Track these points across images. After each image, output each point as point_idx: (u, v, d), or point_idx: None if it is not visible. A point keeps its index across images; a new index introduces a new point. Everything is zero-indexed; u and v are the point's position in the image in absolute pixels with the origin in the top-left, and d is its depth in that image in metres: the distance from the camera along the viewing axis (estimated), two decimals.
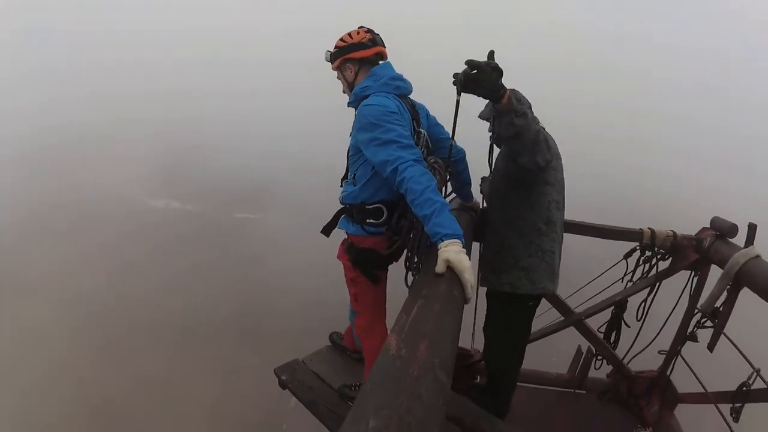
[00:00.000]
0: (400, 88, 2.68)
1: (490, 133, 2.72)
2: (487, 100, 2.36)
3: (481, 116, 2.75)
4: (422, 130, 2.76)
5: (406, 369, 1.16)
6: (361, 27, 2.76)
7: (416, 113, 2.76)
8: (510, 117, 2.24)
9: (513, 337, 3.13)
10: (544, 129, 2.61)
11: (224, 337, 7.10)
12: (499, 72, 2.10)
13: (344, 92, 2.87)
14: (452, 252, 1.94)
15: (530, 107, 2.50)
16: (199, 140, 15.57)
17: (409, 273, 2.63)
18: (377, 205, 2.68)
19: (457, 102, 2.15)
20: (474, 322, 3.58)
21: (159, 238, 9.85)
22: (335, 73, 2.85)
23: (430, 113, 2.97)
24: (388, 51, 2.78)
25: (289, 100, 19.74)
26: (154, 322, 7.22)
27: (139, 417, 5.73)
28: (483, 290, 3.19)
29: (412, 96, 2.83)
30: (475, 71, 2.04)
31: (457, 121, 2.26)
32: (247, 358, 6.46)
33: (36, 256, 8.76)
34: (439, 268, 1.90)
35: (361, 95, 2.62)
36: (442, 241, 2.01)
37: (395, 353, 1.23)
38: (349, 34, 2.72)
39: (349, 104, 2.78)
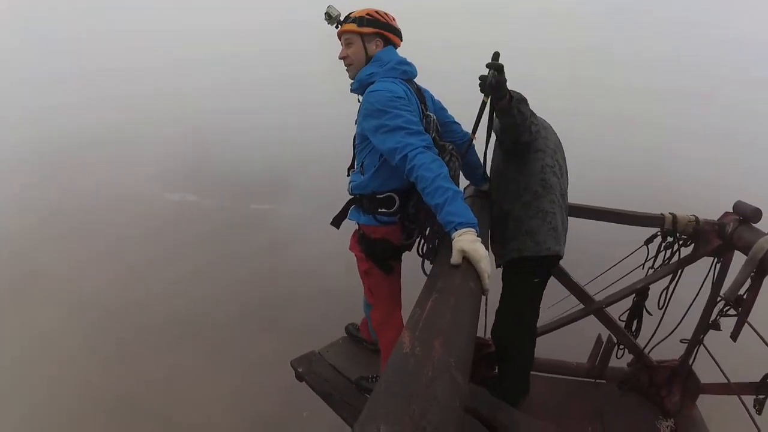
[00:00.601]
0: (407, 73, 2.58)
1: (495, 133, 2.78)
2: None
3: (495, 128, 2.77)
4: (431, 114, 2.64)
5: (420, 369, 1.11)
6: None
7: (423, 97, 2.65)
8: (516, 107, 2.27)
9: (520, 309, 3.07)
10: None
11: (244, 328, 7.11)
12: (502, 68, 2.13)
13: (341, 58, 2.67)
14: (467, 241, 1.86)
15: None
16: (210, 135, 15.61)
17: (426, 260, 2.59)
18: (389, 193, 2.58)
19: (484, 103, 2.17)
20: (486, 311, 3.53)
21: (177, 234, 9.88)
22: (340, 39, 2.66)
23: (434, 97, 2.89)
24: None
25: (294, 89, 19.71)
26: (173, 316, 7.24)
27: (158, 410, 5.75)
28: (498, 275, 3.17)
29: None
30: (500, 74, 2.10)
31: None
32: (267, 349, 6.43)
33: (56, 255, 8.85)
34: (454, 258, 1.83)
35: (367, 82, 2.51)
36: (456, 230, 1.93)
37: (409, 351, 1.18)
38: (386, 14, 2.60)
39: (353, 90, 2.65)
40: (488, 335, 3.92)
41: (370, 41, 2.58)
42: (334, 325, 4.26)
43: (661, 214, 3.45)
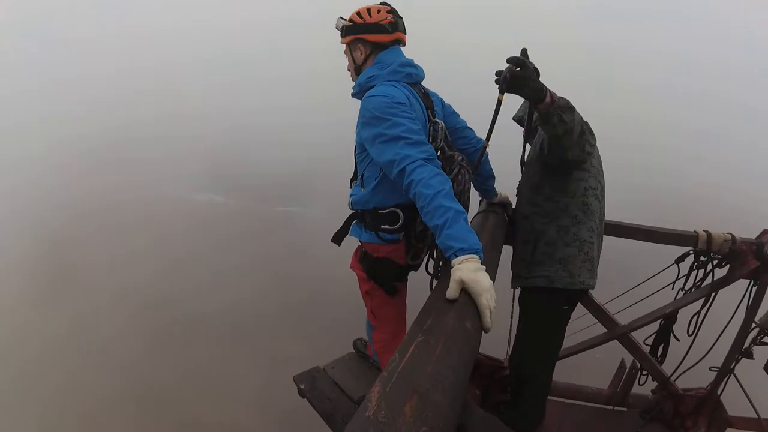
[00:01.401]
0: (411, 76, 2.38)
1: (524, 131, 2.62)
2: (526, 101, 2.22)
3: (516, 118, 2.69)
4: (438, 120, 2.42)
5: None
6: (384, 4, 2.42)
7: (430, 102, 2.45)
8: (558, 115, 2.03)
9: (545, 341, 2.85)
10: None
11: (272, 327, 7.30)
12: (537, 71, 1.96)
13: (349, 70, 2.55)
14: (466, 270, 1.62)
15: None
16: (235, 135, 15.87)
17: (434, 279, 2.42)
18: (392, 209, 2.38)
19: (499, 102, 1.98)
20: (510, 331, 3.34)
21: (205, 234, 10.19)
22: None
23: (445, 101, 2.68)
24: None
25: (316, 89, 19.80)
26: (202, 314, 7.58)
27: (187, 403, 5.99)
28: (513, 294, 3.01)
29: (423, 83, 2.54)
30: (519, 68, 1.91)
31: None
32: (294, 348, 6.55)
33: (90, 251, 9.15)
34: (450, 291, 1.60)
35: (367, 86, 2.32)
36: (456, 257, 1.71)
37: (372, 416, 0.97)
38: (368, 11, 2.38)
39: (354, 95, 2.46)
40: (501, 356, 3.74)
41: (354, 49, 2.45)
42: (360, 326, 4.19)
43: (695, 231, 3.19)
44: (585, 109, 2.19)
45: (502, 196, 3.11)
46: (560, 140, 2.15)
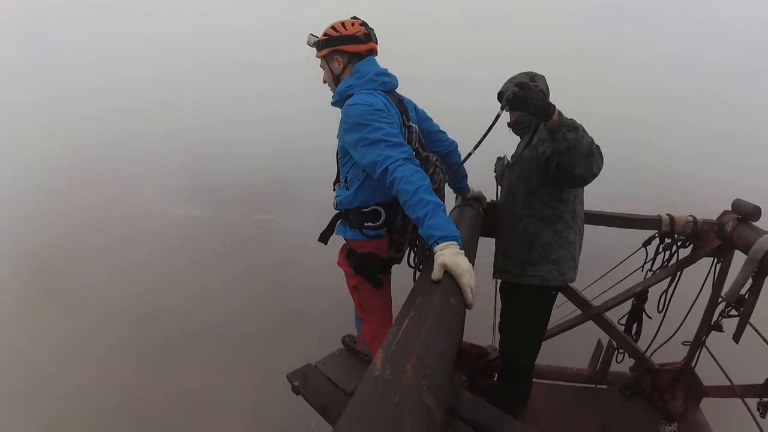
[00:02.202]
0: (386, 84, 2.53)
1: (509, 128, 2.94)
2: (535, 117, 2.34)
3: (512, 125, 2.93)
4: (413, 125, 2.60)
5: (388, 394, 1.06)
6: (355, 18, 2.58)
7: (404, 107, 2.61)
8: (562, 132, 2.23)
9: (535, 328, 3.07)
10: None
11: (261, 339, 7.21)
12: (545, 93, 2.19)
13: (325, 82, 2.70)
14: (448, 255, 1.80)
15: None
16: (211, 147, 15.78)
17: (418, 272, 2.59)
18: (374, 207, 2.55)
19: (498, 116, 2.21)
20: (495, 319, 3.49)
21: (187, 249, 10.10)
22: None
23: (418, 107, 2.84)
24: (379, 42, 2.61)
25: (291, 99, 19.82)
26: (189, 331, 7.46)
27: (179, 423, 5.90)
28: (493, 284, 3.19)
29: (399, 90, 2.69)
30: (521, 91, 2.13)
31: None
32: (283, 360, 6.54)
33: (72, 270, 9.11)
34: (435, 274, 1.77)
35: (346, 94, 2.47)
36: (437, 244, 1.89)
37: (379, 375, 1.13)
38: (343, 24, 2.53)
39: (333, 104, 2.60)
40: (486, 343, 3.89)
41: (332, 61, 2.57)
42: (348, 331, 4.29)
43: (658, 215, 3.39)
44: (583, 111, 2.39)
45: (475, 191, 3.29)
46: (563, 155, 2.32)
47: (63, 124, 17.39)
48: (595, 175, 2.40)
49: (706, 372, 3.57)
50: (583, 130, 2.29)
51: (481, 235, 3.04)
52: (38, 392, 6.20)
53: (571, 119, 2.27)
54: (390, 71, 2.60)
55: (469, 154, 2.42)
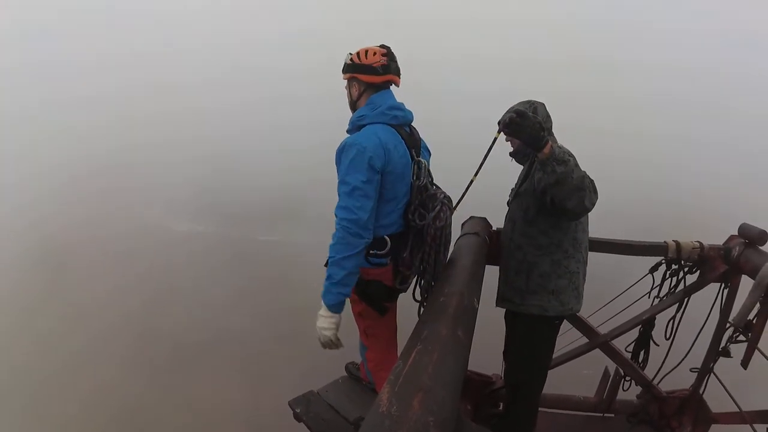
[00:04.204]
0: (398, 118, 2.62)
1: (511, 157, 2.94)
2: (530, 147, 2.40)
3: (513, 154, 2.93)
4: (422, 159, 2.68)
5: (395, 430, 1.04)
6: (382, 46, 2.65)
7: (415, 142, 2.71)
8: (552, 165, 2.29)
9: (538, 357, 3.04)
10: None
11: (260, 357, 7.19)
12: (541, 125, 2.24)
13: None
14: (319, 315, 2.47)
15: (572, 156, 2.49)
16: (219, 160, 15.72)
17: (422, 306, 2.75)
18: (381, 236, 2.60)
19: (495, 139, 2.40)
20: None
21: (191, 265, 10.05)
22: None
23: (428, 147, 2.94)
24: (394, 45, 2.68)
25: (300, 109, 19.84)
26: (191, 343, 7.44)
27: None
28: (500, 312, 3.12)
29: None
30: (518, 117, 2.22)
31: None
32: (282, 377, 6.54)
33: (74, 283, 9.07)
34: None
35: (358, 124, 2.59)
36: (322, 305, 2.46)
37: (386, 411, 1.11)
38: (366, 52, 2.61)
39: (348, 131, 2.68)
40: (492, 371, 3.84)
41: (351, 86, 2.70)
42: (344, 357, 4.27)
43: (665, 242, 3.36)
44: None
45: (481, 222, 3.39)
46: (553, 188, 2.36)
47: (69, 132, 17.42)
48: (587, 209, 2.42)
49: (715, 398, 3.53)
50: (575, 164, 2.33)
51: (488, 264, 3.04)
52: (42, 403, 6.21)
53: (563, 153, 2.32)
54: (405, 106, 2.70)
55: (471, 182, 2.52)
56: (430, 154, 2.91)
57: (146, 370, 6.89)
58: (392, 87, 2.71)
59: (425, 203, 2.61)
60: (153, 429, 5.88)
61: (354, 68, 2.62)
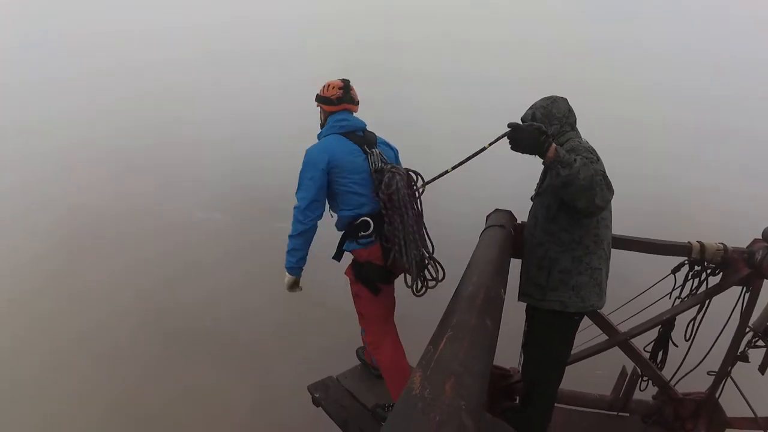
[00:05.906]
0: (345, 127, 3.20)
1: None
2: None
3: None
4: (374, 150, 3.19)
5: (428, 413, 1.08)
6: (341, 80, 3.29)
7: (368, 140, 3.22)
8: (556, 169, 2.33)
9: (556, 353, 3.07)
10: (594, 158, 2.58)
11: (264, 348, 7.15)
12: (540, 131, 2.28)
13: None
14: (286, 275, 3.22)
15: (593, 151, 2.63)
16: (237, 148, 15.60)
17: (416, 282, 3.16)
18: (362, 219, 3.08)
19: (483, 148, 2.54)
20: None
21: (200, 251, 9.99)
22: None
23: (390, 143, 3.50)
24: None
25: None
26: (196, 333, 7.36)
27: (183, 423, 5.89)
28: (520, 306, 3.16)
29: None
30: (513, 132, 2.30)
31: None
32: (286, 369, 6.50)
33: (87, 264, 9.05)
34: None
35: (319, 138, 3.27)
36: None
37: (418, 393, 1.15)
38: (327, 86, 3.26)
39: None
40: (509, 365, 3.87)
41: (320, 111, 3.38)
42: (350, 347, 4.31)
43: (689, 242, 3.34)
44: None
45: (508, 215, 3.50)
46: (561, 190, 2.42)
47: (84, 109, 17.35)
48: (600, 207, 2.44)
49: (730, 402, 3.53)
50: (581, 164, 2.33)
51: (513, 257, 3.09)
52: (40, 388, 6.19)
53: (568, 155, 2.36)
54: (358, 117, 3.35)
55: (446, 171, 2.79)
56: (391, 148, 3.45)
57: (147, 354, 6.85)
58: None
59: (377, 178, 3.06)
60: (152, 414, 5.83)
61: (319, 99, 3.30)
